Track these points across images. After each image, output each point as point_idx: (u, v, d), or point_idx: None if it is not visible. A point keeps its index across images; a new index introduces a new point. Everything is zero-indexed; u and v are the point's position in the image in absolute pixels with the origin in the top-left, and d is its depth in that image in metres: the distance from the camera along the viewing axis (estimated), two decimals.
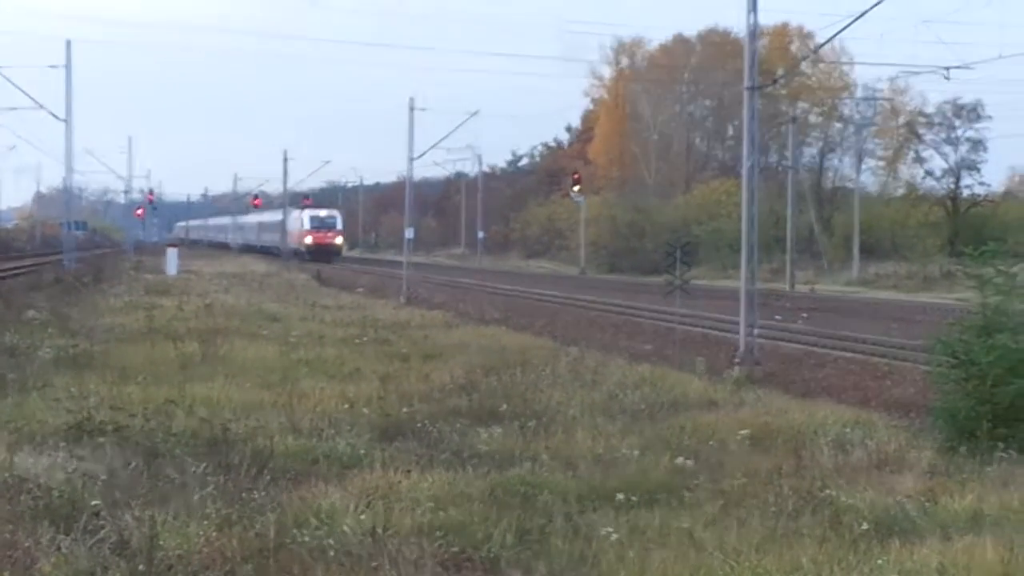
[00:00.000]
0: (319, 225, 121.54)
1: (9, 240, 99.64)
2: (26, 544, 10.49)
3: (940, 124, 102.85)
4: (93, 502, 12.35)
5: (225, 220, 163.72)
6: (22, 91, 74.36)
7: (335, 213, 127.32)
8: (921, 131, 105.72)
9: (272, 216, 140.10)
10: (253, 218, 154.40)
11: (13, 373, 23.57)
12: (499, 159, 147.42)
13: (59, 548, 10.56)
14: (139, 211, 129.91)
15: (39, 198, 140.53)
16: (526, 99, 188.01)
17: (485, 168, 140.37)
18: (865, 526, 12.48)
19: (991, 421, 17.73)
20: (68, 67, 74.18)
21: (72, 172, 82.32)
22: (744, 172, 39.57)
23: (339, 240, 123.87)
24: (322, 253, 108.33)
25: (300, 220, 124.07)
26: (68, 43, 74.57)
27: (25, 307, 40.48)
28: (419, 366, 27.56)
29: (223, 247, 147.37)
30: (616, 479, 14.74)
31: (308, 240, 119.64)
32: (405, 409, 20.65)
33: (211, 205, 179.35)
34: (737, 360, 31.28)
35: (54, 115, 75.17)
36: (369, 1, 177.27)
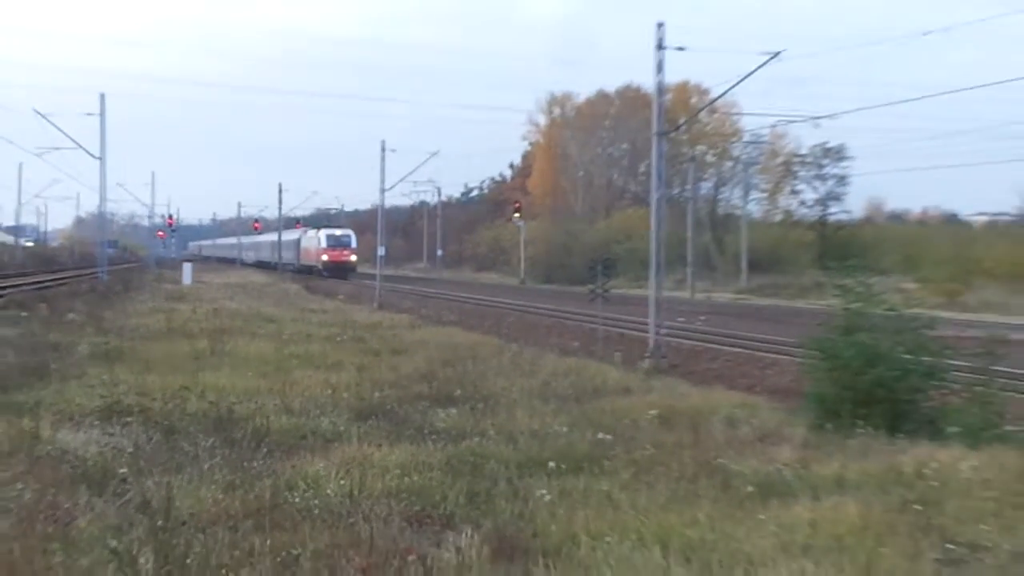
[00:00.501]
0: (335, 244, 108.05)
1: (54, 256, 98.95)
2: (66, 505, 10.40)
3: (811, 163, 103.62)
4: (121, 470, 12.31)
5: (231, 240, 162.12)
6: (65, 134, 74.45)
7: (349, 232, 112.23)
8: (796, 169, 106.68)
9: (289, 236, 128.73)
10: (267, 238, 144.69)
11: (56, 364, 23.42)
12: (455, 191, 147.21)
13: (93, 507, 10.52)
14: (160, 233, 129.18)
15: (78, 222, 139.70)
16: (476, 141, 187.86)
17: (443, 198, 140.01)
18: (750, 488, 12.51)
19: (852, 404, 17.91)
20: (102, 115, 73.94)
21: (105, 201, 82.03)
22: (653, 202, 39.54)
23: (353, 258, 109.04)
24: (338, 270, 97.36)
25: (317, 239, 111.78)
26: (102, 96, 74.20)
27: (66, 311, 40.19)
28: (388, 359, 27.52)
29: (229, 262, 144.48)
30: (549, 450, 14.72)
31: (324, 258, 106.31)
32: (377, 394, 20.61)
33: (219, 228, 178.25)
34: (647, 354, 31.29)
35: (91, 154, 74.95)
36: (350, 61, 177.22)
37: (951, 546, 10.19)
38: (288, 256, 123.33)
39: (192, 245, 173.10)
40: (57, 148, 77.83)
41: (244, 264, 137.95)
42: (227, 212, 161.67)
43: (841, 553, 9.73)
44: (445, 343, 32.73)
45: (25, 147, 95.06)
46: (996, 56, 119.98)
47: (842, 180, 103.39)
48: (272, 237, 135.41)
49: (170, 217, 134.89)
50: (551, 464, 13.70)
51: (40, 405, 17.27)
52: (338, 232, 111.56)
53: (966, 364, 19.71)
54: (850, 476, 13.45)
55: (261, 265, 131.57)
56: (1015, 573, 9.33)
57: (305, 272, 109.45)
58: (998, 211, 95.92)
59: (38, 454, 12.98)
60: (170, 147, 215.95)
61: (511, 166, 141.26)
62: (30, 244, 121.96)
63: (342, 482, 12.45)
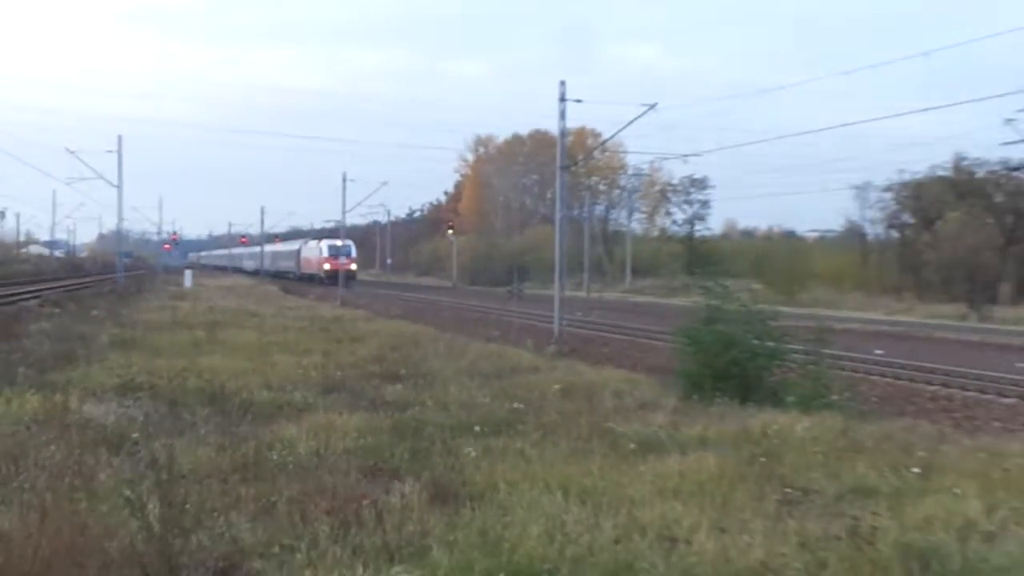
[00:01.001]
0: (336, 253, 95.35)
1: (81, 265, 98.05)
2: (90, 462, 10.29)
3: (680, 191, 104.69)
4: (133, 435, 12.17)
5: (223, 251, 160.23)
6: (89, 167, 74.68)
7: (349, 243, 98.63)
8: (669, 195, 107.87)
9: (289, 247, 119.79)
10: (269, 248, 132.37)
11: (82, 351, 23.20)
12: (401, 212, 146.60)
13: (111, 464, 10.42)
14: (167, 246, 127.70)
15: (100, 237, 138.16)
16: (418, 173, 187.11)
17: (392, 218, 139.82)
18: (632, 446, 12.56)
19: (712, 379, 18.13)
20: (119, 152, 73.72)
21: (122, 220, 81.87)
22: (556, 222, 39.78)
23: (354, 266, 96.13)
24: (338, 278, 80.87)
25: (319, 249, 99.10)
26: (119, 137, 74.18)
27: (91, 308, 39.82)
28: (348, 346, 27.41)
29: (222, 270, 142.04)
30: (475, 417, 14.70)
31: (327, 267, 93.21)
32: (339, 373, 20.50)
33: (214, 242, 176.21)
34: (552, 341, 31.41)
35: (110, 183, 74.77)
36: (319, 108, 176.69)
37: (788, 490, 10.32)
38: (287, 265, 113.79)
39: (191, 255, 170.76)
40: (83, 179, 78.50)
41: (242, 271, 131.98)
42: (220, 229, 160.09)
43: (703, 496, 9.81)
44: (393, 333, 32.65)
45: (58, 178, 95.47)
46: (820, 108, 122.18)
47: (705, 204, 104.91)
48: (269, 248, 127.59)
49: (174, 233, 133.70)
50: (476, 428, 13.72)
51: (70, 383, 17.10)
52: (339, 243, 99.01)
53: (800, 348, 19.96)
54: (710, 435, 13.61)
55: (259, 272, 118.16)
56: (837, 510, 9.43)
57: (305, 280, 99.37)
58: (827, 229, 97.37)
59: (67, 422, 12.83)
60: (174, 177, 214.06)
61: (445, 193, 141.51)
62: (62, 255, 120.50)
63: (311, 443, 12.39)
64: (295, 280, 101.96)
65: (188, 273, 79.54)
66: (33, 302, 41.35)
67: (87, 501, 8.21)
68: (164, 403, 15.60)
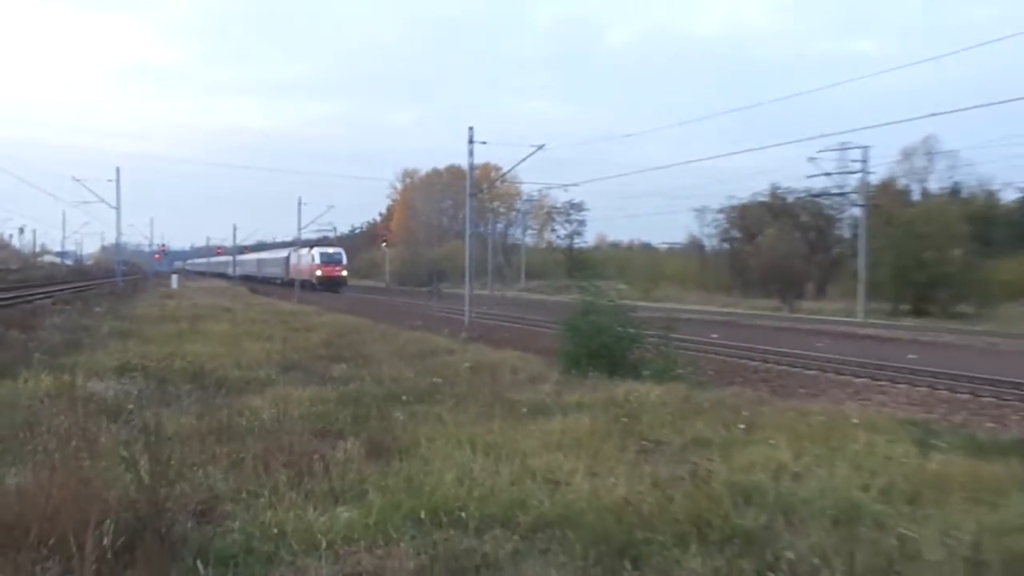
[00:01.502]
0: (328, 260, 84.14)
1: (87, 271, 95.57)
2: (93, 428, 10.05)
3: (563, 212, 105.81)
4: (129, 406, 11.94)
5: (203, 260, 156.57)
6: (93, 193, 73.33)
7: (340, 250, 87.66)
8: (554, 216, 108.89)
9: (277, 254, 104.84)
10: (255, 256, 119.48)
11: (87, 340, 22.78)
12: (345, 228, 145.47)
13: (110, 430, 10.20)
14: (157, 256, 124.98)
15: (103, 248, 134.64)
16: (359, 198, 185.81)
17: (338, 233, 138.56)
18: (525, 410, 12.58)
19: (587, 358, 18.21)
20: (118, 180, 72.00)
21: (120, 235, 79.99)
22: (467, 237, 39.85)
23: (344, 273, 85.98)
24: (331, 284, 75.95)
25: (311, 256, 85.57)
26: (118, 169, 72.26)
27: (94, 306, 38.96)
28: (303, 334, 27.14)
29: (201, 275, 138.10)
30: (402, 389, 14.64)
31: (319, 273, 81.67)
32: (295, 356, 20.29)
33: (196, 252, 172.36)
34: (464, 329, 31.38)
35: (110, 205, 73.12)
36: (279, 145, 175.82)
37: (645, 442, 10.43)
38: (274, 271, 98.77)
39: (177, 263, 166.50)
40: (88, 202, 77.43)
41: (226, 277, 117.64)
42: (200, 242, 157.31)
43: (579, 447, 9.88)
44: (338, 323, 32.39)
45: (67, 201, 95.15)
46: (668, 148, 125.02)
47: (581, 223, 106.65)
48: (255, 256, 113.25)
49: (162, 246, 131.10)
50: (404, 397, 13.63)
51: (76, 365, 16.72)
52: (331, 250, 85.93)
53: (654, 333, 20.19)
54: (585, 401, 13.66)
55: (246, 279, 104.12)
56: (681, 457, 9.56)
57: (292, 285, 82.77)
58: (674, 241, 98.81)
59: (74, 397, 12.51)
60: (162, 200, 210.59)
61: (380, 214, 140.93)
62: (71, 263, 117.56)
63: (272, 411, 12.21)
64: (280, 285, 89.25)
65: (175, 277, 78.61)
66: (47, 301, 40.39)
67: (90, 459, 8.04)
68: (154, 381, 15.33)
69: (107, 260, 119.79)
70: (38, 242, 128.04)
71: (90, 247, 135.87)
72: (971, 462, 9.31)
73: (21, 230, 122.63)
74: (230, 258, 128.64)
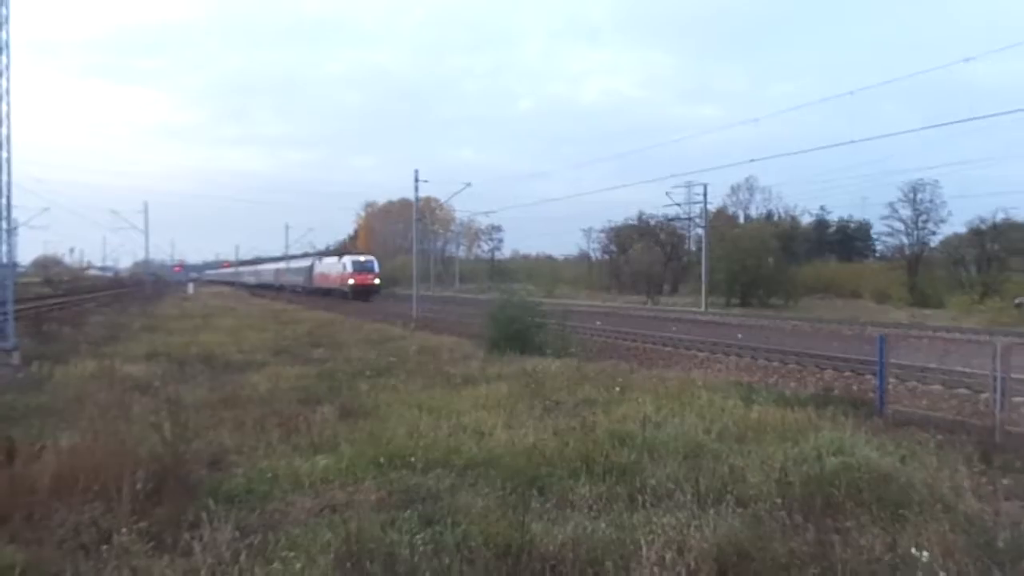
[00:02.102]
0: (360, 268, 64.21)
1: (122, 281, 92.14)
2: (127, 401, 9.79)
3: (487, 233, 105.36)
4: (155, 383, 11.60)
5: (214, 271, 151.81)
6: (127, 221, 72.71)
7: (372, 258, 67.70)
8: (480, 235, 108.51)
9: (300, 263, 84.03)
10: (273, 266, 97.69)
11: (123, 333, 22.13)
12: (322, 246, 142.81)
13: (140, 402, 9.91)
14: (177, 268, 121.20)
15: (135, 264, 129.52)
16: (332, 222, 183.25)
17: (315, 250, 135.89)
18: (459, 380, 12.62)
19: (505, 340, 18.05)
20: (146, 212, 70.64)
21: (148, 253, 78.27)
22: (414, 253, 39.60)
23: (377, 281, 66.13)
24: (364, 292, 59.18)
25: (343, 265, 65.91)
26: (146, 203, 71.40)
27: (128, 307, 37.78)
28: (291, 326, 26.64)
29: (211, 282, 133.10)
30: (366, 367, 14.48)
31: (352, 281, 62.86)
32: (284, 343, 19.97)
33: (208, 265, 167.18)
34: (412, 321, 31.12)
35: (140, 230, 71.57)
36: (265, 181, 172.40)
37: (548, 402, 10.46)
38: (295, 280, 78.34)
39: (192, 274, 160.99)
40: (123, 228, 76.75)
41: (244, 285, 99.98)
42: (211, 257, 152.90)
43: (499, 407, 9.90)
44: (318, 319, 31.81)
45: (107, 227, 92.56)
46: (563, 184, 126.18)
47: (500, 240, 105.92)
48: (273, 266, 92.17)
49: (181, 261, 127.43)
50: (367, 373, 13.50)
51: (115, 353, 16.22)
52: (362, 258, 66.35)
53: (554, 322, 20.25)
54: (504, 373, 13.68)
55: (263, 287, 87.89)
56: (575, 412, 9.64)
57: (320, 294, 65.81)
58: (568, 253, 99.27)
59: (113, 377, 12.18)
60: (181, 225, 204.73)
61: (348, 235, 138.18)
62: (110, 275, 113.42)
63: (267, 384, 12.05)
64: (304, 294, 69.12)
65: (191, 284, 76.38)
66: (91, 304, 39.00)
67: (125, 424, 7.84)
68: (175, 364, 14.97)
69: (138, 273, 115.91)
70: (84, 259, 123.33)
71: (125, 263, 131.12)
72: (780, 411, 9.55)
73: (71, 250, 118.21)
74: (245, 268, 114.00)
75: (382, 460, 7.01)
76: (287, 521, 5.59)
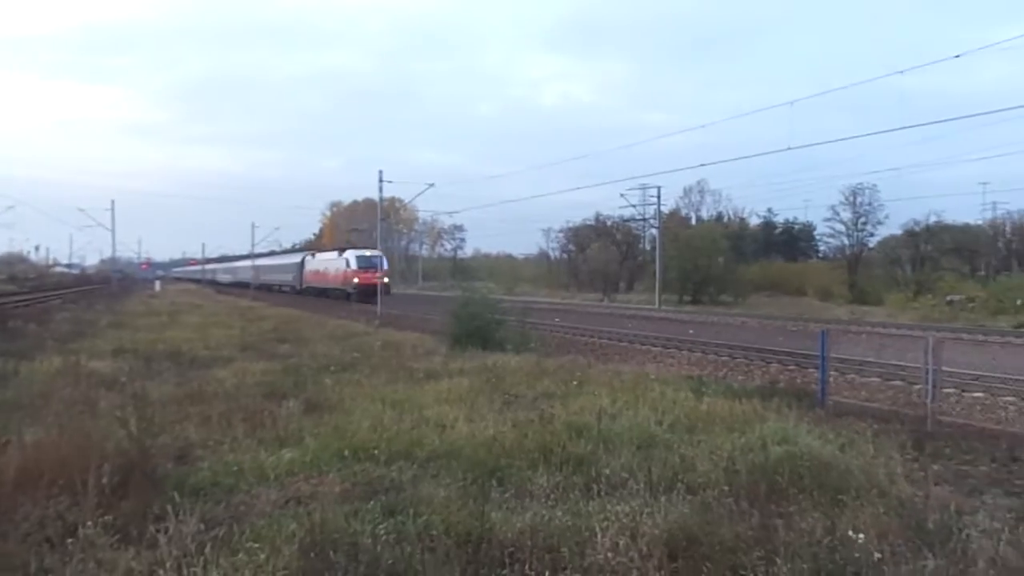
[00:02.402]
0: (366, 265, 48.44)
1: (89, 278, 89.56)
2: (93, 396, 9.56)
3: (449, 232, 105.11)
4: (122, 379, 11.36)
5: (180, 268, 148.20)
6: (93, 219, 70.00)
7: (380, 253, 48.62)
8: (442, 234, 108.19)
9: (287, 259, 72.74)
10: (247, 263, 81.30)
11: (89, 330, 21.59)
12: (288, 244, 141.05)
13: (107, 397, 9.67)
14: (144, 265, 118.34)
15: (101, 261, 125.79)
16: (298, 221, 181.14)
17: (283, 247, 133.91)
18: (422, 375, 12.54)
19: (467, 336, 18.04)
20: (112, 210, 68.49)
21: (115, 250, 76.85)
22: (377, 247, 39.22)
23: (387, 280, 47.75)
24: (370, 293, 41.78)
25: (345, 260, 52.24)
26: (113, 201, 69.69)
27: (95, 304, 36.86)
28: (256, 323, 26.28)
29: (178, 281, 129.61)
30: (331, 362, 14.39)
31: (356, 280, 48.90)
32: (250, 339, 19.66)
33: (174, 263, 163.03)
34: (377, 318, 30.89)
35: (106, 228, 69.37)
36: (233, 182, 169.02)
37: (507, 396, 10.50)
38: (282, 278, 66.31)
39: (159, 272, 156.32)
40: (89, 225, 74.08)
41: (216, 283, 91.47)
42: (177, 255, 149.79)
43: (461, 401, 9.89)
44: (283, 315, 31.42)
45: (74, 225, 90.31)
46: (524, 185, 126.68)
47: (462, 239, 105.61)
48: (254, 262, 75.93)
49: (148, 258, 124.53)
50: (332, 368, 13.37)
51: (80, 350, 15.81)
52: (368, 253, 50.87)
53: (514, 318, 20.30)
54: (465, 368, 13.64)
55: (238, 286, 76.55)
56: (534, 405, 9.66)
57: (312, 295, 55.26)
58: (528, 252, 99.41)
59: (79, 373, 11.87)
60: (149, 222, 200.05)
61: (314, 234, 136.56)
62: (76, 273, 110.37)
63: (233, 380, 11.84)
64: (292, 295, 59.31)
65: (157, 282, 74.63)
66: (57, 301, 37.97)
67: (91, 420, 7.67)
68: (142, 360, 14.66)
69: (105, 270, 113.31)
70: (50, 256, 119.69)
71: (91, 260, 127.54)
72: (729, 403, 9.67)
73: (37, 248, 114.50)
74: (219, 265, 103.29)
75: (346, 453, 6.95)
76: (252, 513, 5.52)
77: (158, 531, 4.77)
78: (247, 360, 14.77)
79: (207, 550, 4.49)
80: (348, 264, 50.56)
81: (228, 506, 5.66)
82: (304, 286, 59.29)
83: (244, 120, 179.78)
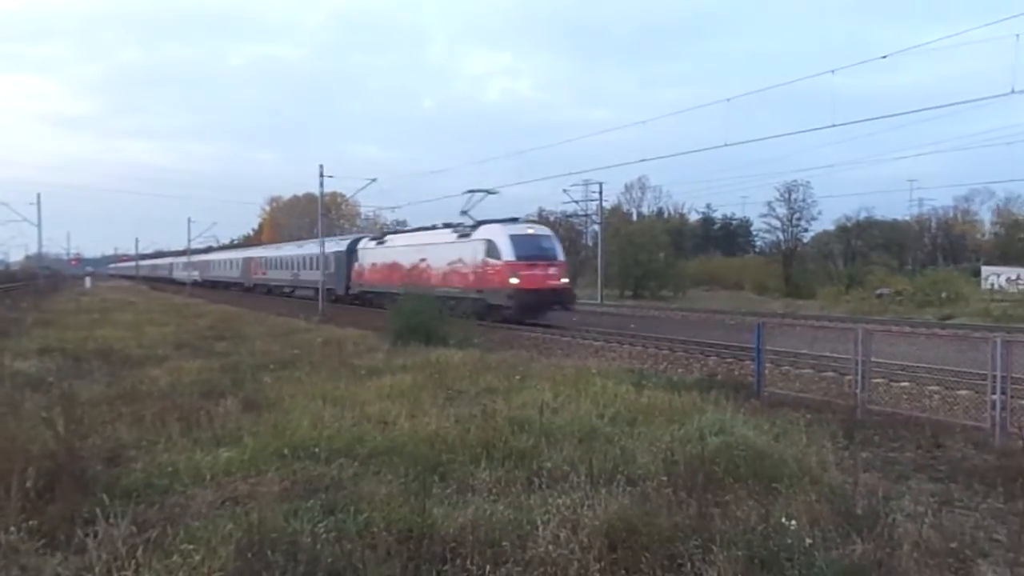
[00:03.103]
0: (535, 253, 21.56)
1: (14, 275, 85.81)
2: (18, 397, 9.19)
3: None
4: (49, 379, 10.94)
5: (114, 265, 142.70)
6: (18, 213, 66.88)
7: (548, 231, 24.49)
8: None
9: (287, 251, 52.36)
10: (234, 255, 66.22)
11: (14, 328, 20.70)
12: (226, 239, 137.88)
13: (32, 399, 9.30)
14: (73, 262, 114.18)
15: (27, 257, 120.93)
16: (237, 216, 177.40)
17: (219, 243, 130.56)
18: (364, 372, 12.37)
19: (409, 332, 17.89)
20: (39, 204, 64.74)
21: (41, 246, 72.59)
22: (321, 247, 38.62)
23: (565, 280, 22.54)
24: (544, 307, 21.57)
25: (485, 246, 23.39)
26: (39, 195, 65.18)
27: (20, 302, 35.36)
28: (193, 320, 25.60)
29: (112, 277, 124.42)
30: (270, 359, 14.12)
31: (515, 281, 21.54)
32: (186, 336, 19.14)
33: (105, 260, 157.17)
34: (318, 314, 30.41)
35: (32, 223, 65.98)
36: (175, 177, 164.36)
37: (450, 391, 10.48)
38: (313, 277, 39.10)
39: (89, 268, 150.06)
40: (14, 221, 71.63)
41: (174, 282, 75.80)
42: (108, 251, 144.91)
43: (403, 397, 9.82)
44: (221, 312, 30.68)
45: None
46: (463, 181, 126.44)
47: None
48: (226, 255, 65.30)
49: (78, 254, 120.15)
50: (271, 365, 13.12)
51: (4, 349, 15.18)
52: (531, 231, 24.98)
53: (457, 314, 20.23)
54: (408, 364, 13.51)
55: (215, 283, 63.71)
56: (476, 401, 9.66)
57: (381, 306, 23.71)
58: None
59: (2, 373, 11.41)
60: (78, 218, 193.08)
61: (253, 229, 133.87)
62: (0, 269, 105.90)
63: (168, 379, 11.51)
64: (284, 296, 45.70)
65: (88, 279, 72.12)
66: None
67: (15, 421, 7.36)
68: (71, 359, 14.15)
69: (31, 267, 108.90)
70: None
71: (16, 256, 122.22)
72: (668, 395, 9.83)
73: None
74: (176, 260, 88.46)
75: (286, 451, 6.83)
76: (188, 515, 5.37)
77: (87, 535, 4.62)
78: (183, 358, 14.38)
79: (139, 553, 4.36)
80: (492, 252, 25.69)
81: (162, 508, 5.50)
82: (360, 289, 36.29)
83: (179, 113, 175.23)
